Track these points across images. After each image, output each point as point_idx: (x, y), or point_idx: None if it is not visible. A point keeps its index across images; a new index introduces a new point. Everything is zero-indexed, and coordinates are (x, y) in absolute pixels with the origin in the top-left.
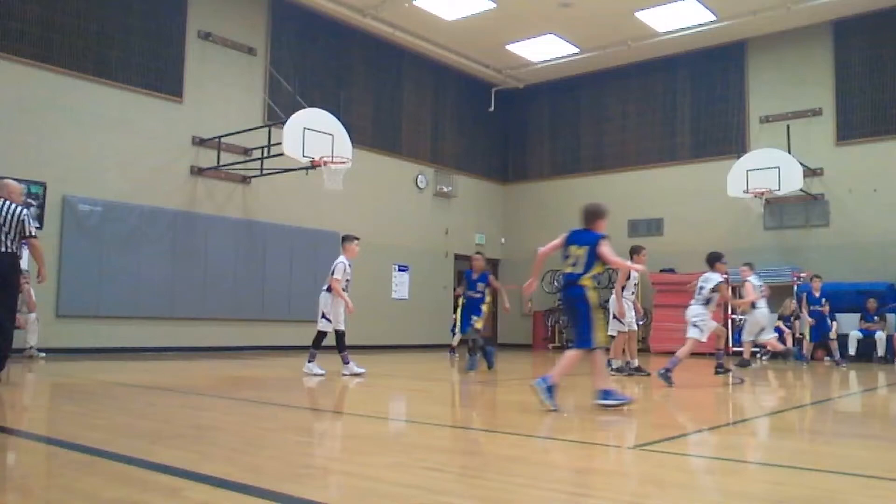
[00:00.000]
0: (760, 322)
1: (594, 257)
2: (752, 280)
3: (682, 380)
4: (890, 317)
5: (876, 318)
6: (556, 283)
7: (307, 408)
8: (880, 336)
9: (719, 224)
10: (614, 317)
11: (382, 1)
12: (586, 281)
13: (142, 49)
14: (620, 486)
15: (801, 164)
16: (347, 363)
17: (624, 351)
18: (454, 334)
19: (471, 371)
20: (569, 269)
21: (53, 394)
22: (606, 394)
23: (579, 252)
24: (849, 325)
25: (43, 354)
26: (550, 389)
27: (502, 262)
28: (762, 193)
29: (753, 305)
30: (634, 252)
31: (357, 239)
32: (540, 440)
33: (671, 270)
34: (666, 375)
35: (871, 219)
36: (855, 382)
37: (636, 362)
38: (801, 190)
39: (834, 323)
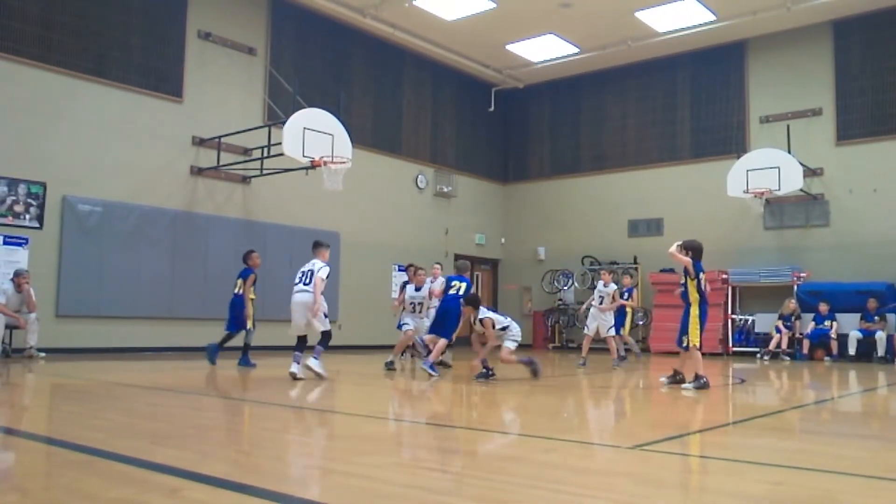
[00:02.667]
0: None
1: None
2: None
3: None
4: (890, 317)
5: (876, 318)
6: (555, 284)
7: (307, 408)
8: (880, 336)
9: (719, 224)
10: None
11: (382, 1)
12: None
13: (142, 49)
14: (620, 486)
15: (801, 164)
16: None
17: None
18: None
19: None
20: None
21: (53, 394)
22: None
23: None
24: (849, 324)
25: (43, 354)
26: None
27: (502, 262)
28: (762, 193)
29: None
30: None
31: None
32: (539, 440)
33: (671, 271)
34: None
35: (871, 219)
36: (855, 382)
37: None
38: (801, 190)
39: (835, 323)
